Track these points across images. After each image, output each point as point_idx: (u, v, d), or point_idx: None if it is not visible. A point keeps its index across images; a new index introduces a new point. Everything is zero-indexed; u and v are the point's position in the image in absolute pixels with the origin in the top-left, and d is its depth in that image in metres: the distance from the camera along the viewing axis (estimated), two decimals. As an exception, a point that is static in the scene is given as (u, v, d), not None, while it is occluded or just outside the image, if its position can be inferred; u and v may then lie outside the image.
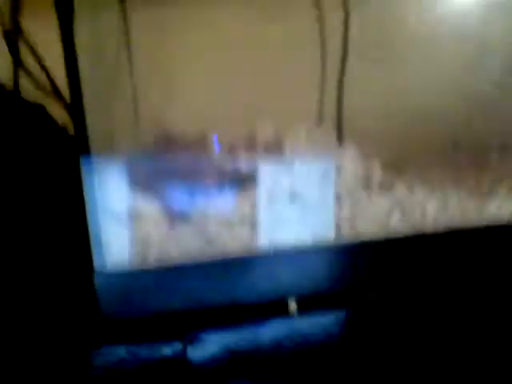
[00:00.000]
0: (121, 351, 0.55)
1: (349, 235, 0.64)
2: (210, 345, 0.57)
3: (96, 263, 0.59)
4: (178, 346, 0.56)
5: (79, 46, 0.63)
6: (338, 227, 0.64)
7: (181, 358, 0.56)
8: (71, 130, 0.74)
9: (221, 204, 0.71)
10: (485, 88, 0.90)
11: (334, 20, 0.92)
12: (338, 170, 0.73)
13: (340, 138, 0.91)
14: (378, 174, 0.72)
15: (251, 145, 0.79)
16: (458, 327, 0.61)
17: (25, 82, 0.80)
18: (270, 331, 0.59)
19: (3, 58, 0.77)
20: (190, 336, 0.56)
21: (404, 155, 0.89)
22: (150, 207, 0.70)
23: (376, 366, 0.61)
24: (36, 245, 0.67)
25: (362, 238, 0.63)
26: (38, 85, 0.77)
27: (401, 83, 0.95)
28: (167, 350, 0.56)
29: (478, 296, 0.62)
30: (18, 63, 0.73)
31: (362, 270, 0.61)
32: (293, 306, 0.59)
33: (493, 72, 0.90)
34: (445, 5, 0.90)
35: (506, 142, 0.85)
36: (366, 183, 0.71)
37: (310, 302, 0.60)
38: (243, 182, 0.74)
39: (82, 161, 0.60)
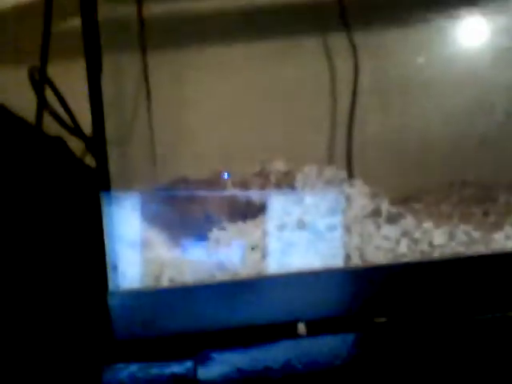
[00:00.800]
0: (132, 369, 0.56)
1: (358, 263, 0.65)
2: (220, 364, 0.58)
3: (110, 285, 0.61)
4: (188, 365, 0.57)
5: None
6: (347, 256, 0.66)
7: (191, 377, 0.57)
8: (92, 166, 0.78)
9: (232, 232, 0.74)
10: (491, 129, 0.93)
11: (344, 63, 0.96)
12: (348, 202, 0.75)
13: (350, 174, 0.94)
14: (386, 207, 0.74)
15: (263, 181, 0.81)
16: (465, 352, 0.61)
17: (47, 120, 0.83)
18: (280, 352, 0.60)
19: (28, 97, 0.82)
20: (201, 355, 0.57)
21: (412, 191, 0.91)
22: (163, 237, 0.73)
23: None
24: (53, 268, 0.70)
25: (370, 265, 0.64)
26: (60, 122, 0.81)
27: (409, 124, 0.99)
28: (178, 368, 0.57)
29: (485, 320, 0.63)
30: (42, 102, 0.77)
31: (370, 295, 0.62)
32: (302, 328, 0.60)
33: (499, 114, 0.93)
34: (454, 49, 0.93)
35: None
36: (375, 215, 0.73)
37: (318, 325, 0.61)
38: (255, 212, 0.77)
39: (102, 194, 0.63)
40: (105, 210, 0.65)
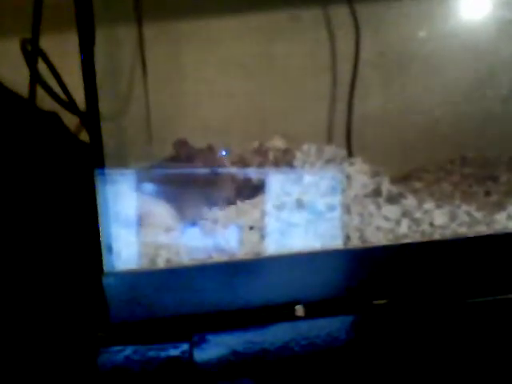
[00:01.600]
0: (128, 351, 0.55)
1: (358, 244, 0.64)
2: (217, 347, 0.58)
3: (105, 265, 0.59)
4: (184, 347, 0.56)
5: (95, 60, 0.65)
6: (346, 237, 0.65)
7: (187, 359, 0.56)
8: (85, 140, 0.76)
9: (230, 212, 0.72)
10: (493, 104, 0.91)
11: (345, 37, 0.94)
12: (348, 181, 0.73)
13: (350, 152, 0.92)
14: (386, 186, 0.73)
15: (261, 158, 0.80)
16: (465, 334, 0.60)
17: (41, 93, 0.81)
18: (277, 334, 0.59)
19: (20, 69, 0.79)
20: (197, 338, 0.56)
21: (413, 169, 0.90)
22: (160, 214, 0.71)
23: (381, 370, 0.60)
24: (45, 247, 0.68)
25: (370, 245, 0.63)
26: (53, 95, 0.79)
27: (410, 99, 0.97)
28: (174, 351, 0.56)
29: (486, 302, 0.62)
30: (34, 75, 0.75)
31: (370, 277, 0.61)
32: (300, 310, 0.59)
33: (502, 88, 0.91)
34: (457, 22, 0.91)
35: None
36: (375, 194, 0.72)
37: (317, 307, 0.60)
38: (253, 190, 0.75)
39: (96, 169, 0.61)
40: (99, 187, 0.63)
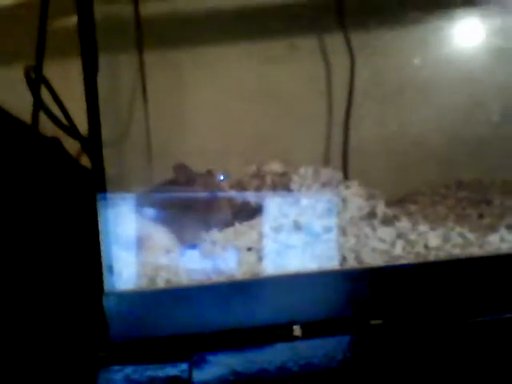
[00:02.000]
0: (127, 371, 0.56)
1: (354, 265, 0.66)
2: (216, 366, 0.58)
3: (106, 286, 0.61)
4: (183, 367, 0.57)
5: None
6: (343, 258, 0.66)
7: (186, 379, 0.57)
8: (86, 164, 0.77)
9: (229, 234, 0.74)
10: (486, 129, 0.93)
11: (340, 64, 0.97)
12: (343, 204, 0.75)
13: (346, 176, 0.94)
14: (381, 208, 0.75)
15: (259, 182, 0.81)
16: (460, 354, 0.61)
17: (43, 119, 0.83)
18: (275, 354, 0.60)
19: (24, 96, 0.81)
20: (196, 357, 0.57)
21: (408, 192, 0.92)
22: (160, 236, 0.73)
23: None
24: (49, 269, 0.70)
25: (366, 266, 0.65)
26: (55, 121, 0.81)
27: (404, 125, 0.99)
28: (173, 371, 0.57)
29: (480, 323, 0.63)
30: (37, 101, 0.77)
31: (366, 297, 0.62)
32: (297, 330, 0.60)
33: (493, 114, 0.93)
34: (450, 50, 0.94)
35: (507, 180, 0.87)
36: (371, 217, 0.74)
37: (314, 328, 0.61)
38: (251, 213, 0.77)
39: (98, 193, 0.63)
40: (100, 211, 0.65)
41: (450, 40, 1.04)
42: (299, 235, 0.70)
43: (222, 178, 0.84)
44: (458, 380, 0.66)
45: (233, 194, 0.82)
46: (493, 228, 0.73)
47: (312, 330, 0.65)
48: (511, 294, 0.68)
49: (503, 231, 0.71)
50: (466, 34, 1.04)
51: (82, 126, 0.78)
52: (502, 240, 0.70)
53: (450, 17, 1.01)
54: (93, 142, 0.66)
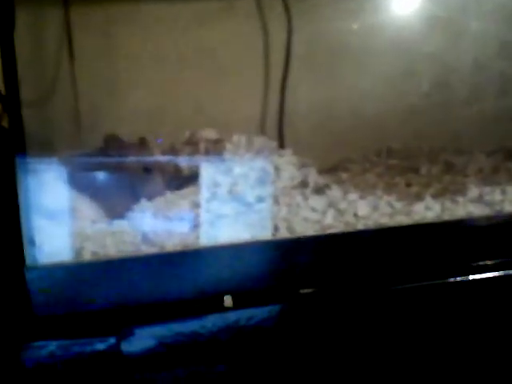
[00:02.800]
0: (52, 347, 0.54)
1: (286, 235, 0.66)
2: (145, 339, 0.57)
3: (28, 259, 0.57)
4: (111, 341, 0.55)
5: (17, 41, 0.62)
6: (275, 227, 0.66)
7: (114, 353, 0.55)
8: (5, 125, 0.73)
9: (159, 202, 0.72)
10: (415, 98, 0.95)
11: (278, 28, 0.95)
12: (276, 173, 0.75)
13: (281, 143, 0.94)
14: (313, 177, 0.75)
15: (193, 147, 0.79)
16: (388, 321, 0.64)
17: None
18: (206, 325, 0.60)
19: None
20: (124, 331, 0.56)
21: (339, 161, 0.93)
22: (87, 205, 0.70)
23: (307, 358, 0.62)
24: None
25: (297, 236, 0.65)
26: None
27: (337, 92, 0.99)
28: (100, 345, 0.55)
29: (408, 289, 0.65)
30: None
31: (297, 267, 0.63)
32: (228, 301, 0.60)
33: (423, 83, 0.95)
34: (385, 18, 0.94)
35: (434, 149, 0.90)
36: (303, 186, 0.74)
37: (245, 298, 0.61)
38: (183, 181, 0.75)
39: (18, 159, 0.59)
40: (21, 176, 0.61)
41: (387, 7, 1.04)
42: (232, 205, 0.69)
43: (159, 141, 0.81)
44: (385, 348, 0.68)
45: (165, 161, 0.80)
46: (419, 196, 0.75)
47: (243, 300, 0.65)
48: (436, 262, 0.71)
49: (428, 200, 0.73)
50: (403, 2, 1.04)
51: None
52: (428, 208, 0.72)
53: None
54: (10, 100, 0.61)
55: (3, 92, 0.69)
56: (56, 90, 0.96)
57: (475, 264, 0.71)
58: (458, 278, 0.69)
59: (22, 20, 0.64)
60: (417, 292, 0.68)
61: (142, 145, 0.76)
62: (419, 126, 1.07)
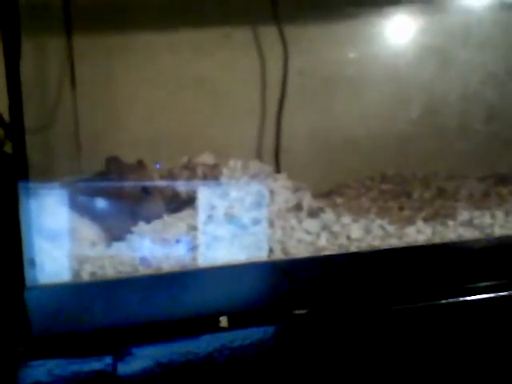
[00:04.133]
0: (49, 365, 0.55)
1: (280, 256, 0.67)
2: (141, 359, 0.59)
3: (28, 280, 0.59)
4: (107, 361, 0.56)
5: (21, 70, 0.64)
6: (270, 249, 0.68)
7: (110, 373, 0.56)
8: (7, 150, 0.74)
9: (158, 225, 0.73)
10: (407, 125, 0.98)
11: (274, 56, 0.98)
12: (271, 196, 0.77)
13: (278, 168, 0.96)
14: (307, 201, 0.77)
15: (190, 172, 0.81)
16: (382, 341, 0.65)
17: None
18: (202, 346, 0.61)
19: None
20: (121, 351, 0.57)
21: (334, 186, 0.95)
22: (86, 228, 0.72)
23: (301, 378, 0.63)
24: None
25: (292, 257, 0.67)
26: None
27: (333, 119, 1.02)
28: (97, 365, 0.56)
29: (400, 310, 0.66)
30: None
31: (291, 288, 0.64)
32: (224, 321, 0.61)
33: (415, 111, 0.98)
34: (379, 46, 0.97)
35: (427, 174, 0.92)
36: (297, 209, 0.76)
37: (240, 318, 0.63)
38: (181, 204, 0.77)
39: (20, 183, 0.61)
40: (23, 200, 0.63)
41: (380, 36, 1.07)
42: (228, 227, 0.71)
43: (157, 166, 0.83)
44: (379, 366, 0.69)
45: (164, 185, 0.82)
46: (411, 220, 0.76)
47: (239, 320, 0.66)
48: (427, 284, 0.72)
49: (420, 223, 0.75)
50: (396, 31, 1.08)
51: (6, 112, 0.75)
52: (419, 232, 0.74)
53: (382, 13, 1.04)
54: (15, 126, 0.63)
55: (6, 118, 0.71)
56: (57, 117, 0.98)
57: (465, 286, 0.72)
58: (449, 300, 0.70)
59: (25, 49, 0.66)
60: (409, 313, 0.69)
61: (141, 167, 0.78)
62: (412, 152, 1.09)
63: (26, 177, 0.64)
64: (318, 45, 1.06)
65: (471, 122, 1.07)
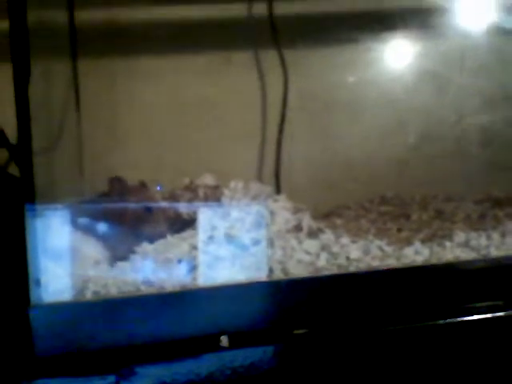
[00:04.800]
0: (53, 384, 0.56)
1: (280, 276, 0.68)
2: (144, 378, 0.59)
3: (33, 299, 0.60)
4: (111, 380, 0.57)
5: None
6: (270, 269, 0.69)
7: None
8: (16, 175, 0.76)
9: (160, 245, 0.75)
10: (405, 148, 1.00)
11: (274, 80, 1.00)
12: (272, 217, 0.78)
13: (278, 189, 0.98)
14: (307, 221, 0.78)
15: (192, 193, 0.83)
16: (381, 361, 0.66)
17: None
18: (203, 365, 0.61)
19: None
20: (124, 370, 0.58)
21: (334, 207, 0.96)
22: (90, 248, 0.73)
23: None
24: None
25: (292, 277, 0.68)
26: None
27: (332, 142, 1.03)
28: (100, 383, 0.57)
29: (398, 331, 0.67)
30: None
31: (291, 307, 0.65)
32: (225, 341, 0.62)
33: (413, 134, 1.00)
34: (377, 71, 0.99)
35: (425, 197, 0.94)
36: (297, 230, 0.77)
37: (241, 338, 0.64)
38: (183, 225, 0.78)
39: (26, 204, 0.63)
40: (29, 221, 0.64)
41: (378, 61, 1.10)
42: (229, 247, 0.72)
43: (158, 188, 0.85)
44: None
45: (166, 206, 0.83)
46: (409, 241, 0.78)
47: (239, 340, 0.67)
48: (424, 304, 0.73)
49: (418, 245, 0.77)
50: (394, 57, 1.10)
51: (11, 133, 0.77)
52: (417, 253, 0.76)
53: (380, 39, 1.07)
54: (22, 150, 0.65)
55: (12, 140, 0.73)
56: (62, 139, 1.00)
57: (462, 306, 0.73)
58: (447, 320, 0.71)
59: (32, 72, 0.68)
60: (407, 333, 0.70)
61: (143, 187, 0.79)
62: (410, 175, 1.11)
63: (32, 200, 0.65)
64: (318, 69, 1.09)
65: (468, 146, 1.09)
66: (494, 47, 1.07)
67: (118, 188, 0.80)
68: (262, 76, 1.08)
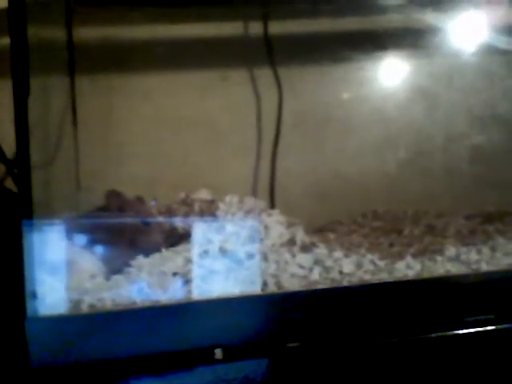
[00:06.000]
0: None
1: (274, 290, 0.69)
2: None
3: (30, 312, 0.61)
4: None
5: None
6: (264, 283, 0.70)
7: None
8: (12, 189, 0.77)
9: (155, 258, 0.76)
10: (397, 164, 1.01)
11: (269, 97, 1.02)
12: (265, 231, 0.80)
13: (272, 204, 0.99)
14: (300, 236, 0.80)
15: (188, 207, 0.84)
16: (373, 374, 0.66)
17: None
18: (197, 378, 0.62)
19: None
20: (120, 382, 0.58)
21: (327, 222, 0.98)
22: (86, 261, 0.74)
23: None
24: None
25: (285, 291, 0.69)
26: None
27: (326, 158, 1.05)
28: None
29: (390, 344, 0.68)
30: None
31: (285, 321, 0.66)
32: (219, 354, 0.63)
33: (405, 150, 1.02)
34: (370, 89, 1.01)
35: (417, 212, 0.95)
36: (290, 244, 0.78)
37: (235, 351, 0.64)
38: (178, 238, 0.80)
39: (23, 219, 0.64)
40: (25, 235, 0.65)
41: (371, 79, 1.12)
42: (223, 261, 0.73)
43: (153, 203, 0.86)
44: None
45: (162, 220, 0.84)
46: (401, 256, 0.79)
47: (233, 353, 0.68)
48: (416, 317, 0.74)
49: (409, 259, 0.78)
50: (386, 75, 1.13)
51: (8, 148, 0.78)
52: (408, 267, 0.77)
53: (372, 57, 1.09)
54: (20, 165, 0.66)
55: (10, 155, 0.74)
56: (59, 154, 1.01)
57: (453, 320, 0.74)
58: (438, 333, 0.72)
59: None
60: (399, 347, 0.71)
61: (140, 202, 0.81)
62: (402, 190, 1.13)
63: (29, 214, 0.66)
64: (312, 86, 1.11)
65: (457, 163, 1.11)
66: (482, 66, 1.10)
67: (115, 202, 0.81)
68: (257, 93, 1.10)
